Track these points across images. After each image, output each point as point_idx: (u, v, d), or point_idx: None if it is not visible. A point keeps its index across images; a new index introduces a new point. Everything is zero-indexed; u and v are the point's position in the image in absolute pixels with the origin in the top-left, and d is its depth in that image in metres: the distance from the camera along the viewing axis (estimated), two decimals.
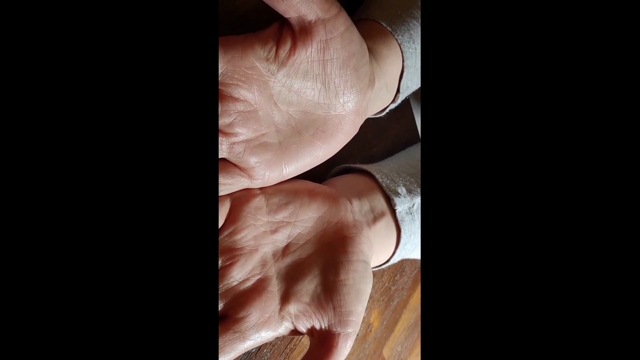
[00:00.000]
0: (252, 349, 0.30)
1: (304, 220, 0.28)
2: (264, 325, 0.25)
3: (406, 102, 0.43)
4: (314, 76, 0.25)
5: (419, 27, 0.31)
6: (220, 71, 0.24)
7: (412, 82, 0.33)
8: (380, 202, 0.31)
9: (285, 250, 0.28)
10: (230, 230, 0.26)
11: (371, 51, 0.29)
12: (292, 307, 0.26)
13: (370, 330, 0.42)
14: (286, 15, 0.23)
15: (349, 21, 0.25)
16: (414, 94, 0.39)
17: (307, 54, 0.24)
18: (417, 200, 0.32)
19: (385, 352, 0.45)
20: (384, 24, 0.30)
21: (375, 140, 0.39)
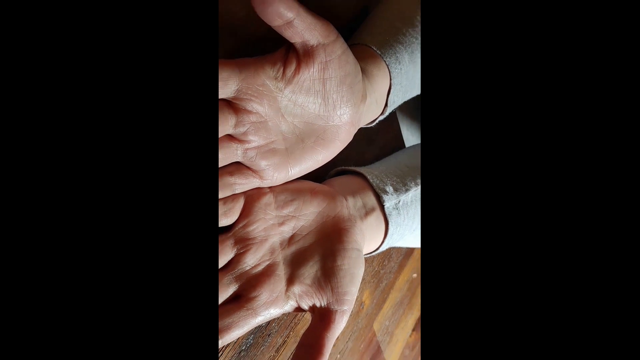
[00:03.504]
0: (262, 324, 0.30)
1: (306, 214, 0.28)
2: (272, 304, 0.25)
3: (393, 114, 0.42)
4: (315, 92, 0.25)
5: (404, 51, 0.31)
6: (235, 88, 0.24)
7: (398, 97, 0.33)
8: (371, 199, 0.31)
9: (291, 240, 0.27)
10: (243, 223, 0.26)
11: (363, 71, 0.29)
12: (296, 288, 0.26)
13: (363, 308, 0.42)
14: (292, 41, 0.23)
15: (345, 45, 0.25)
16: (400, 107, 0.39)
17: (309, 74, 0.24)
18: (402, 198, 0.32)
19: (375, 326, 0.45)
20: (374, 48, 0.30)
21: (366, 146, 0.39)
